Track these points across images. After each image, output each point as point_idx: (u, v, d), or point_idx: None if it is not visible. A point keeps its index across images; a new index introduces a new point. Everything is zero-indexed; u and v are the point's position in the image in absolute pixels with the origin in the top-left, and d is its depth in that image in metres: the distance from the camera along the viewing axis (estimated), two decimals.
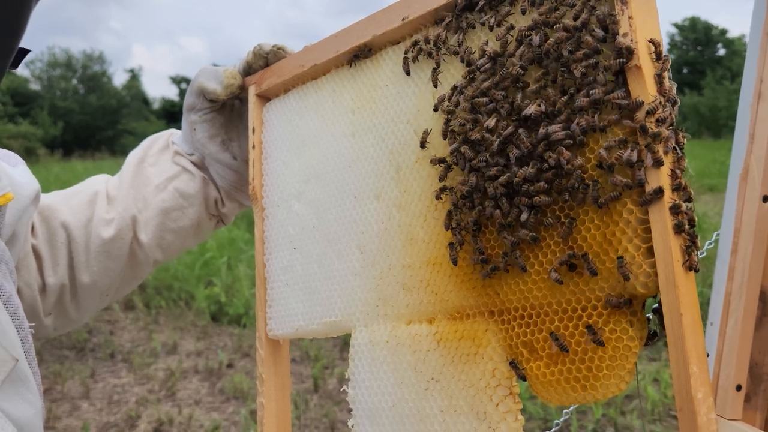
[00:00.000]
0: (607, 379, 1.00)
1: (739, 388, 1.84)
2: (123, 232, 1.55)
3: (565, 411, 2.13)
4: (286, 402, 1.45)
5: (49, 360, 6.72)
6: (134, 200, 1.58)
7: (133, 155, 1.66)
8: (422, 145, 1.22)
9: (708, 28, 55.67)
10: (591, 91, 1.01)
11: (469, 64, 1.17)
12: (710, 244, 1.99)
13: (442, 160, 1.19)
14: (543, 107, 1.06)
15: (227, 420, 5.47)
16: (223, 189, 1.68)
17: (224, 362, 6.51)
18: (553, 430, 2.02)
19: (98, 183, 1.61)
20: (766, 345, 1.74)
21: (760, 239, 1.82)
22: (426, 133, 1.22)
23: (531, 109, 1.07)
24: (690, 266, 0.97)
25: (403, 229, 1.27)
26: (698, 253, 1.02)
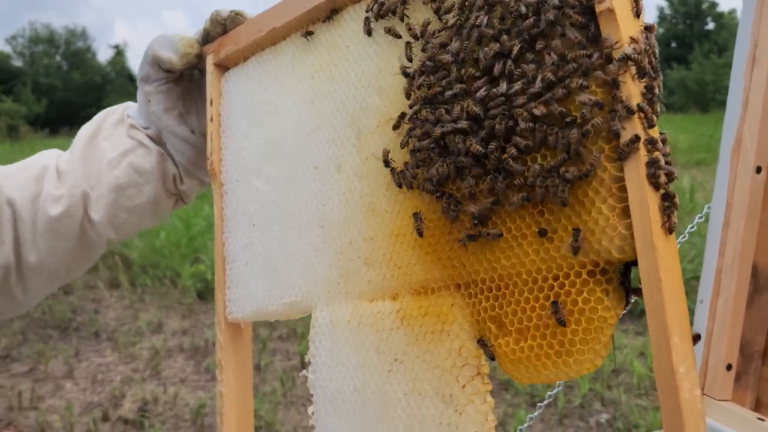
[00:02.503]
0: (581, 354, 0.90)
1: (729, 367, 1.74)
2: (72, 209, 1.46)
3: (553, 387, 2.04)
4: (248, 391, 1.36)
5: (32, 339, 6.63)
6: (85, 176, 1.49)
7: (86, 128, 1.56)
8: (386, 163, 1.13)
9: (699, 1, 55.13)
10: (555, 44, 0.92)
11: (433, 17, 1.07)
12: (700, 218, 1.89)
13: (402, 116, 1.09)
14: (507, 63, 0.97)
15: (213, 399, 5.38)
16: (181, 165, 1.58)
17: (210, 340, 6.41)
18: (543, 403, 1.93)
19: (48, 157, 1.51)
20: (757, 323, 1.65)
21: (753, 212, 1.72)
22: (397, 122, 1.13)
23: (497, 68, 0.98)
24: (669, 228, 0.87)
25: (365, 199, 1.17)
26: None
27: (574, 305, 0.91)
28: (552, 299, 0.92)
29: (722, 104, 1.85)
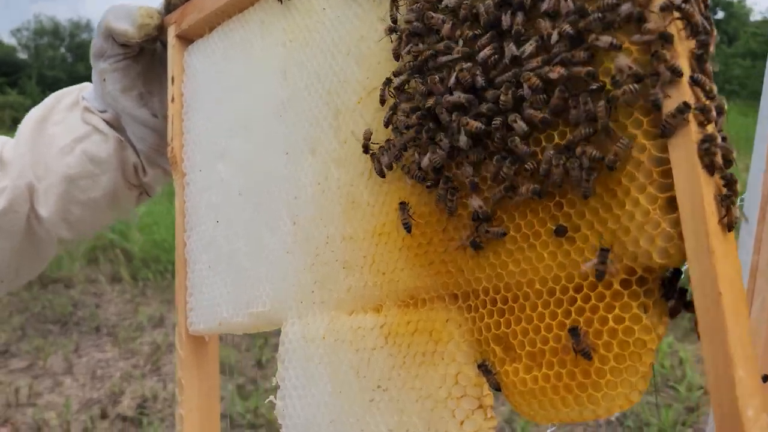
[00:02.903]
0: (613, 388, 0.70)
1: (765, 378, 1.53)
2: (16, 203, 1.26)
3: None
4: (213, 414, 1.17)
5: (31, 334, 6.49)
6: (32, 165, 1.29)
7: (35, 112, 1.36)
8: (365, 149, 0.92)
9: None
10: None
11: None
12: None
13: (387, 83, 0.89)
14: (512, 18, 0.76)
15: (222, 388, 5.23)
16: (143, 153, 1.38)
17: None
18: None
19: None
20: None
21: None
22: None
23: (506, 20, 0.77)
24: (729, 224, 0.67)
25: (343, 190, 0.97)
26: (739, 205, 0.72)
27: (602, 324, 0.71)
28: (570, 326, 0.71)
29: (731, 93, 1.65)
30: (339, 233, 0.96)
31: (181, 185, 1.24)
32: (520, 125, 0.75)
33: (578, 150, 0.71)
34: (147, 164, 1.39)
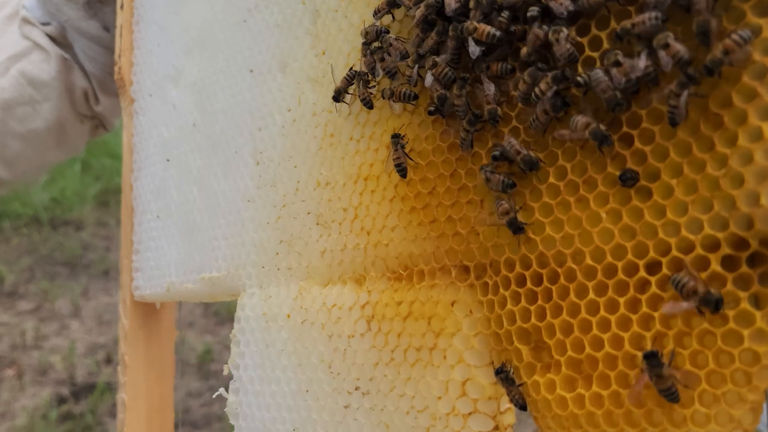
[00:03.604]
0: (702, 424, 0.45)
1: None
2: None
3: None
4: (165, 403, 0.94)
5: (40, 276, 6.40)
6: None
7: None
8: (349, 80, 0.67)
9: None
10: None
11: None
12: None
13: None
14: None
15: (220, 343, 5.11)
16: (94, 76, 1.13)
17: None
18: None
19: None
20: None
21: None
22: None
23: None
24: None
25: (320, 119, 0.71)
26: None
27: (689, 325, 0.46)
28: (646, 351, 0.46)
29: None
30: (313, 177, 0.71)
31: (129, 114, 0.99)
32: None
33: (658, 43, 0.45)
34: (99, 90, 1.15)
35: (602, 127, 0.49)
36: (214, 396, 0.74)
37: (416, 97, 0.62)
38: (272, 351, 0.71)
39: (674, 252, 0.47)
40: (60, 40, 1.12)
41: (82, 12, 1.09)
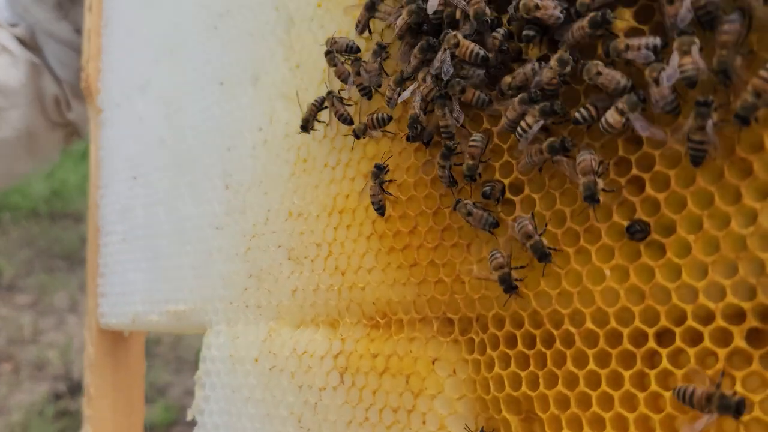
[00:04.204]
0: None
1: None
2: None
3: None
4: None
5: (38, 270, 6.34)
6: None
7: None
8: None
9: None
10: None
11: None
12: None
13: None
14: None
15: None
16: (66, 82, 1.06)
17: None
18: None
19: None
20: None
21: None
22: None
23: None
24: None
25: (293, 141, 0.64)
26: None
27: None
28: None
29: None
30: (285, 206, 0.64)
31: (96, 124, 0.92)
32: None
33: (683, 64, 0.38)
34: (72, 96, 1.08)
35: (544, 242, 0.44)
36: None
37: (390, 119, 0.54)
38: (239, 397, 0.64)
39: (690, 321, 0.40)
40: (29, 44, 1.05)
41: (52, 13, 1.02)
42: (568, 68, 0.44)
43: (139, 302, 0.80)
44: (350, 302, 0.58)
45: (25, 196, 5.46)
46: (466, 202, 0.48)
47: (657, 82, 0.39)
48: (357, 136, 0.56)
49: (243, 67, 0.71)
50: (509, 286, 0.45)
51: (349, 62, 0.58)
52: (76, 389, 4.59)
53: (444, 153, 0.49)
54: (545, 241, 0.45)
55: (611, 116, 0.41)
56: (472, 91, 0.49)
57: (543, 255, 0.44)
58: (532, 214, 0.46)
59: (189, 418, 0.69)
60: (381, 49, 0.56)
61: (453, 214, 0.51)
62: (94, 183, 0.91)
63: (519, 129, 0.45)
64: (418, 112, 0.50)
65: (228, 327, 0.68)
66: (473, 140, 0.48)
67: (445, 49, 0.48)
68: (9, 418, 4.10)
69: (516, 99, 0.45)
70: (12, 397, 4.32)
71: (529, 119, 0.45)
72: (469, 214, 0.48)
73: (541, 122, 0.45)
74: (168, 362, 4.73)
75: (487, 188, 0.48)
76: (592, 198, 0.42)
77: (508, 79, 0.48)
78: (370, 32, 0.58)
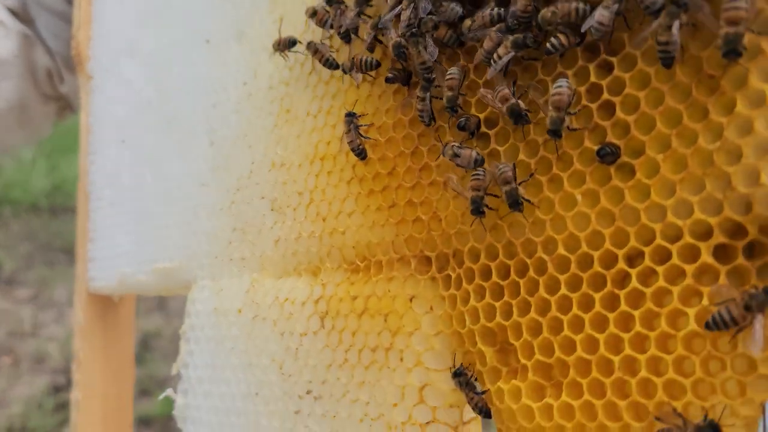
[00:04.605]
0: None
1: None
2: None
3: None
4: (123, 404, 0.87)
5: (38, 263, 6.32)
6: None
7: None
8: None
9: None
10: None
11: None
12: None
13: None
14: None
15: None
16: (59, 54, 1.06)
17: None
18: None
19: None
20: None
21: None
22: None
23: None
24: None
25: (276, 92, 0.65)
26: None
27: (674, 326, 0.39)
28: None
29: None
30: (268, 157, 0.65)
31: (86, 92, 0.92)
32: None
33: None
34: (65, 69, 1.07)
35: (521, 104, 0.44)
36: (160, 398, 0.68)
37: (379, 64, 0.55)
38: (222, 349, 0.65)
39: (659, 240, 0.40)
40: (21, 15, 1.05)
41: None
42: None
43: (125, 263, 0.80)
44: (331, 248, 0.58)
45: (26, 190, 5.47)
46: (453, 144, 0.49)
47: None
48: (345, 72, 0.56)
49: (228, 23, 0.71)
50: (515, 201, 0.45)
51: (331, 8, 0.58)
52: None
53: (423, 86, 0.49)
54: (522, 191, 0.45)
55: (601, 15, 0.41)
56: (445, 29, 0.49)
57: (515, 203, 0.45)
58: (514, 165, 0.46)
59: (173, 372, 0.69)
60: (364, 0, 0.56)
61: (430, 153, 0.51)
62: (83, 150, 0.91)
63: (492, 58, 0.45)
64: (399, 39, 0.50)
65: (213, 282, 0.69)
66: (450, 73, 0.48)
67: None
68: (9, 410, 4.10)
69: (493, 28, 0.46)
70: (12, 390, 4.33)
71: (501, 50, 0.45)
72: (456, 155, 0.48)
73: (512, 54, 0.45)
74: (167, 355, 4.73)
75: (462, 120, 0.48)
76: (555, 134, 0.43)
77: (467, 22, 0.48)
78: None
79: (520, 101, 0.45)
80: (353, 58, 0.56)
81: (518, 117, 0.45)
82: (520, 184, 0.45)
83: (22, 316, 5.75)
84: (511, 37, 0.45)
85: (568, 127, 0.43)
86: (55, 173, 5.62)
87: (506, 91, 0.45)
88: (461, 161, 0.48)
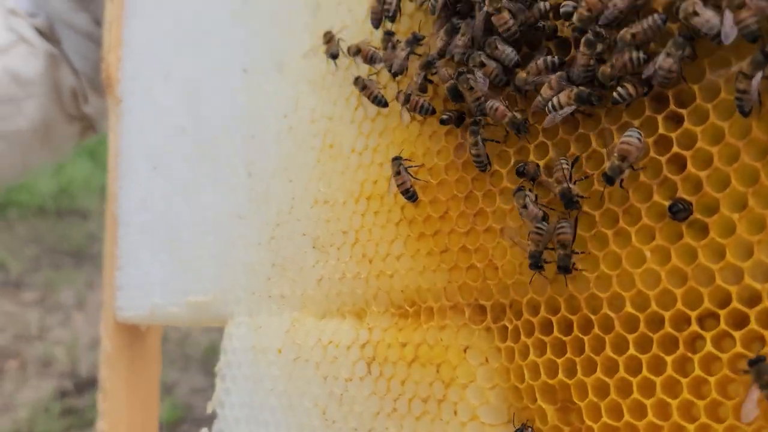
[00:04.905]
0: None
1: None
2: None
3: None
4: (149, 430, 0.86)
5: (45, 266, 6.31)
6: None
7: None
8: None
9: None
10: None
11: None
12: None
13: None
14: None
15: None
16: (84, 75, 1.06)
17: None
18: None
19: None
20: None
21: None
22: None
23: None
24: None
25: (319, 126, 0.64)
26: None
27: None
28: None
29: None
30: (310, 193, 0.64)
31: (116, 115, 0.92)
32: None
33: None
34: (90, 89, 1.07)
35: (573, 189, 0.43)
36: None
37: (434, 111, 0.54)
38: (261, 389, 0.64)
39: (735, 303, 0.39)
40: (48, 34, 1.05)
41: (71, 3, 1.02)
42: (599, 47, 0.43)
43: (157, 294, 0.79)
44: (378, 290, 0.57)
45: (32, 192, 5.47)
46: (527, 193, 0.47)
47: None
48: (399, 102, 0.55)
49: (267, 53, 0.70)
50: (569, 200, 0.43)
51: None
52: (82, 386, 4.58)
53: (472, 129, 0.48)
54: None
55: (664, 61, 0.40)
56: (494, 65, 0.48)
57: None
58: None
59: (209, 410, 0.68)
60: (415, 40, 0.55)
61: (486, 198, 0.50)
62: (112, 174, 0.90)
63: (550, 104, 0.44)
64: (453, 81, 0.49)
65: (250, 318, 0.68)
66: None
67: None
68: (15, 414, 4.09)
69: (554, 76, 0.45)
70: (18, 394, 4.32)
71: (562, 98, 0.44)
72: (525, 207, 0.46)
73: (574, 107, 0.44)
74: (174, 360, 4.72)
75: (521, 166, 0.47)
76: (609, 180, 0.42)
77: (522, 74, 0.47)
78: (399, 13, 0.57)
79: (572, 186, 0.43)
80: (408, 95, 0.54)
81: (569, 202, 0.44)
82: (572, 252, 0.44)
83: (29, 319, 5.75)
84: (576, 89, 0.44)
85: (621, 181, 0.42)
86: (61, 176, 5.62)
87: (561, 174, 0.44)
88: (525, 214, 0.46)
